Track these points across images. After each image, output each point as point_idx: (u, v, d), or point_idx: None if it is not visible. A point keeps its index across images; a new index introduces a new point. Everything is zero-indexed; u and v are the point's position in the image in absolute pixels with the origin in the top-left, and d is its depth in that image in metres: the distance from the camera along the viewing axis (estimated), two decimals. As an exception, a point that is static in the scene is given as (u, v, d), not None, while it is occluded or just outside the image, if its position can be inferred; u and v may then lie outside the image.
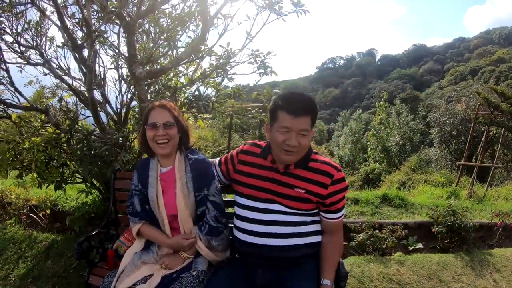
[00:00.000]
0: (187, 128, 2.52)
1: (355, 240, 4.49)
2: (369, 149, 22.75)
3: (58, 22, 3.67)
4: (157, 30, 4.12)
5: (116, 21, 3.81)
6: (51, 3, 4.02)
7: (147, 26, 4.14)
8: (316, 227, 2.30)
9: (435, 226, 4.80)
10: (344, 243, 4.48)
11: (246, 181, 2.32)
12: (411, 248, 4.68)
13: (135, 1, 3.64)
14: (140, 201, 2.47)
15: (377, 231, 4.56)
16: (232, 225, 2.45)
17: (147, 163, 2.51)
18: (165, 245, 2.38)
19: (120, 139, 3.48)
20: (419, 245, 4.71)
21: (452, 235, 4.70)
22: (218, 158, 2.62)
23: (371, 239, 4.44)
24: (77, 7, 3.87)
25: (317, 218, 2.30)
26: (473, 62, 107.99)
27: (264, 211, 2.21)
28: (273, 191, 2.21)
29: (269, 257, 2.21)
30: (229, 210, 2.91)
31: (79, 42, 3.56)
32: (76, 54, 3.69)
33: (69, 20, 4.04)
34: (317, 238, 2.29)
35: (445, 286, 3.84)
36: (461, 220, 4.68)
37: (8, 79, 4.21)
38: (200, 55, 3.90)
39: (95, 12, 3.86)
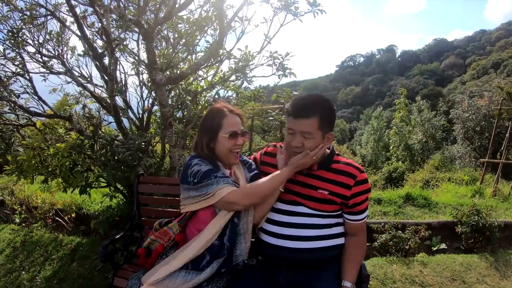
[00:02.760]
0: None
1: (377, 241, 4.46)
2: (391, 147, 22.47)
3: (78, 32, 3.76)
4: (176, 35, 4.16)
5: (135, 29, 3.87)
6: (70, 14, 4.11)
7: (165, 32, 4.18)
8: (340, 229, 2.31)
9: (459, 226, 4.74)
10: (367, 244, 4.49)
11: None
12: (434, 249, 4.63)
13: (153, 9, 3.69)
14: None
15: (400, 231, 4.51)
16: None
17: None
18: (287, 173, 2.21)
19: (143, 144, 3.53)
20: (443, 246, 4.66)
21: (476, 235, 4.62)
22: None
23: (394, 240, 4.40)
24: (96, 17, 3.96)
25: (341, 220, 2.31)
26: (495, 55, 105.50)
27: (289, 214, 2.23)
28: (297, 193, 2.24)
29: (293, 258, 2.23)
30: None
31: (100, 50, 3.63)
32: (97, 63, 3.76)
33: (88, 30, 4.11)
34: (342, 240, 2.31)
35: (469, 288, 3.79)
36: (485, 219, 4.61)
37: (32, 89, 4.32)
38: (219, 58, 3.93)
39: (113, 21, 3.91)
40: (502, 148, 9.21)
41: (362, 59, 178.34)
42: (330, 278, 2.19)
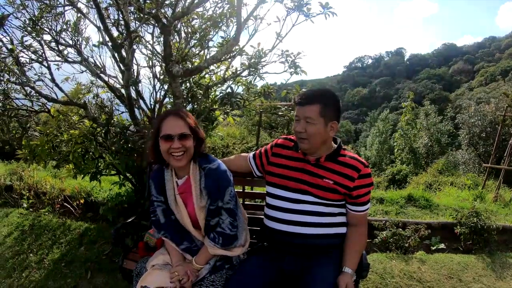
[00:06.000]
0: (203, 137, 2.41)
1: (378, 237, 4.56)
2: (395, 150, 22.48)
3: (96, 23, 3.86)
4: (189, 30, 4.25)
5: (152, 22, 3.97)
6: (89, 4, 4.20)
7: (179, 26, 4.27)
8: (342, 219, 2.44)
9: (458, 227, 4.81)
10: (368, 240, 4.58)
11: (279, 171, 2.48)
12: (433, 248, 4.71)
13: (167, 3, 3.77)
14: (164, 213, 2.47)
15: (401, 229, 4.60)
16: (263, 215, 2.60)
17: (162, 173, 2.46)
18: (173, 265, 2.39)
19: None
20: (442, 246, 4.74)
21: (474, 237, 4.68)
22: (253, 152, 2.79)
23: (394, 237, 4.50)
24: (114, 8, 4.06)
25: (343, 210, 2.44)
26: (504, 62, 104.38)
27: (295, 201, 2.37)
28: (303, 181, 2.36)
29: (297, 244, 2.36)
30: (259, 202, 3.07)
31: (119, 42, 3.72)
32: (115, 53, 3.86)
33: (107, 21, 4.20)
34: (343, 230, 2.43)
35: (465, 286, 3.87)
36: (484, 222, 4.68)
37: (49, 76, 4.42)
38: (232, 54, 4.02)
39: (131, 14, 4.00)
40: (505, 155, 9.23)
41: (370, 60, 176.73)
42: (330, 264, 2.31)
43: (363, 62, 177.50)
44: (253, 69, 4.04)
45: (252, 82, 4.51)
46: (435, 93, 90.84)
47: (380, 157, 29.98)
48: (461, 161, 17.37)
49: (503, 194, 7.99)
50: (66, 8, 4.36)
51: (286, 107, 4.90)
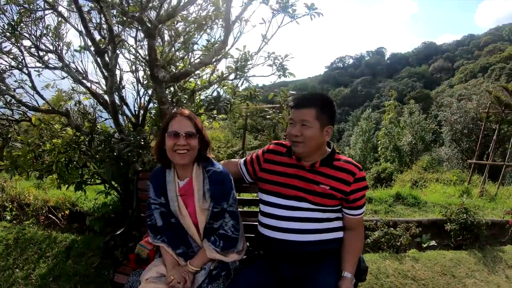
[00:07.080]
0: (208, 140, 2.46)
1: (370, 237, 4.57)
2: (379, 148, 22.65)
3: (78, 27, 3.77)
4: (172, 33, 4.19)
5: (135, 26, 3.89)
6: (70, 8, 4.11)
7: (162, 29, 4.20)
8: (339, 224, 2.41)
9: (448, 223, 4.85)
10: (361, 240, 4.59)
11: (272, 178, 2.42)
12: (425, 246, 4.74)
13: (151, 5, 3.69)
14: (162, 215, 2.44)
15: (392, 229, 4.62)
16: (257, 222, 2.54)
17: (162, 174, 2.45)
18: (168, 270, 2.35)
19: (142, 140, 3.55)
20: (433, 243, 4.78)
21: (464, 233, 4.75)
22: (243, 158, 2.70)
23: (386, 236, 4.51)
24: (96, 12, 3.97)
25: (340, 215, 2.41)
26: (483, 60, 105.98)
27: (291, 208, 2.31)
28: (299, 188, 2.31)
29: (293, 251, 2.31)
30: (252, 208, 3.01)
31: (102, 46, 3.64)
32: (98, 58, 3.77)
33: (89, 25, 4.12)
34: (341, 234, 2.40)
35: (459, 282, 3.90)
36: (473, 217, 4.74)
37: (30, 83, 4.31)
38: (217, 57, 3.97)
39: (114, 17, 3.92)
40: (489, 150, 9.37)
41: (351, 60, 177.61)
42: (330, 270, 2.27)
43: (344, 62, 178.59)
44: (240, 73, 4.00)
45: (239, 85, 4.46)
46: (416, 91, 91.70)
47: (364, 156, 30.16)
48: (445, 157, 17.58)
49: (489, 189, 8.11)
50: (46, 12, 4.28)
51: (273, 110, 4.85)
